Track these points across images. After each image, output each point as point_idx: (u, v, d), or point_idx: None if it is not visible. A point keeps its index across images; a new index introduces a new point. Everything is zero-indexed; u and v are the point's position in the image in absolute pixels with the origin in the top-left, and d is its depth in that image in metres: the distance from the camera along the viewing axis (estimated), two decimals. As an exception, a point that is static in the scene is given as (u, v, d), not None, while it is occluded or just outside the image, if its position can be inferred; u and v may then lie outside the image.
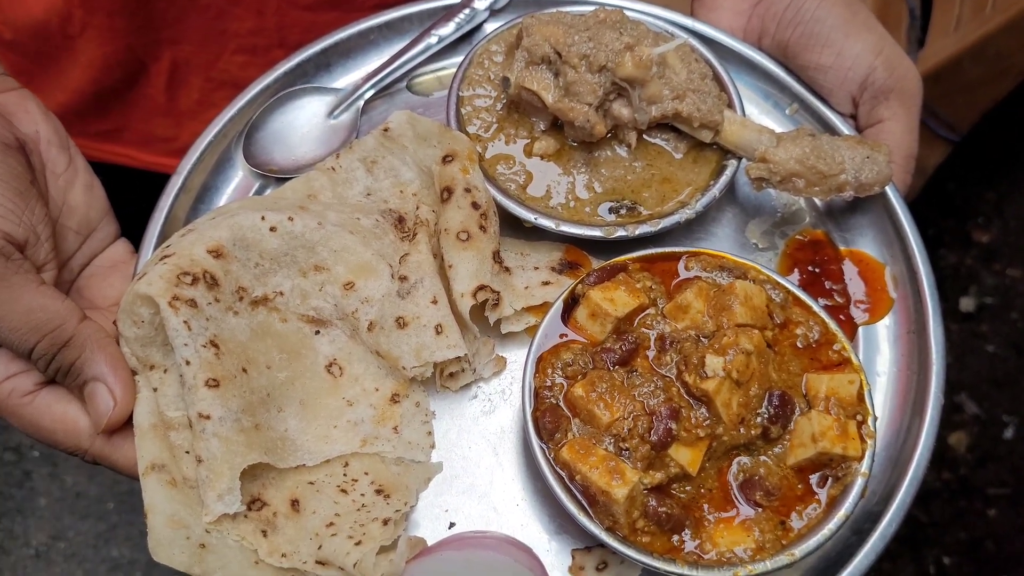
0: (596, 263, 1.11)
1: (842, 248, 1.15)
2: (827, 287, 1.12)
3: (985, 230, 3.37)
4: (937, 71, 2.57)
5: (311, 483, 0.98)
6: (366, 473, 0.99)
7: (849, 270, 1.13)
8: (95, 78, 1.43)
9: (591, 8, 1.17)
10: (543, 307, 1.05)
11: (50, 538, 2.81)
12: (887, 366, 1.08)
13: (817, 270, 1.13)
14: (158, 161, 1.57)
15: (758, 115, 1.22)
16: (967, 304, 3.22)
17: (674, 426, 0.93)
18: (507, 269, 1.08)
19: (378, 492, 0.97)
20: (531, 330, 1.05)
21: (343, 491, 0.97)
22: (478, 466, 1.02)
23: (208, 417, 0.92)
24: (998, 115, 2.81)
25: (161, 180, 1.57)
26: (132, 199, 1.66)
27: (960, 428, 2.98)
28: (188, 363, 0.93)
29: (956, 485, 2.90)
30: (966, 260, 3.29)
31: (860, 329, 1.10)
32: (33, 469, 2.89)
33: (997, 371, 3.08)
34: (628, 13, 1.18)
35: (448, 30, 1.23)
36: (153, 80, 1.45)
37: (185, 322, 0.94)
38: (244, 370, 0.97)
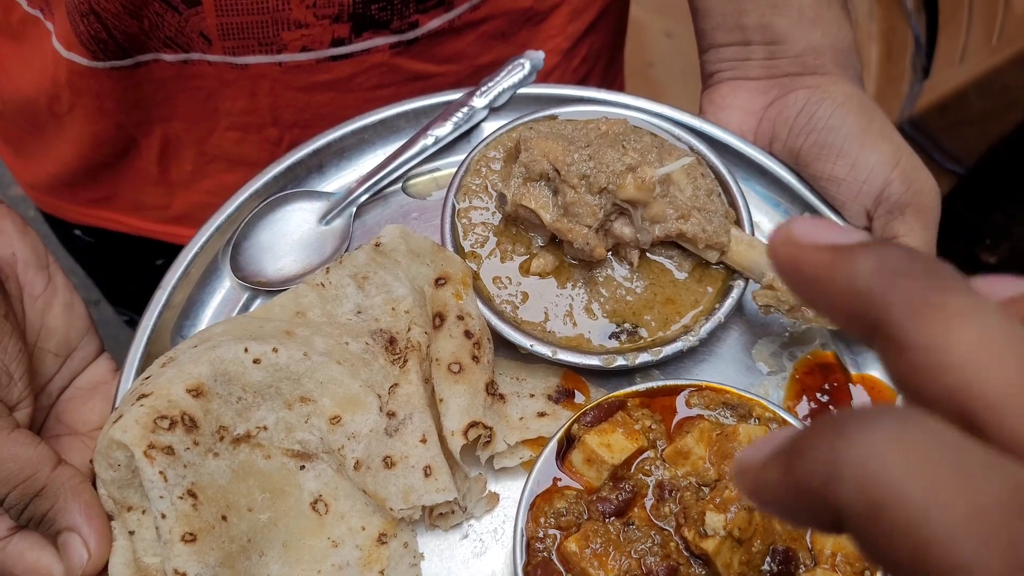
0: (595, 390, 1.06)
1: (853, 373, 1.09)
2: (836, 416, 1.07)
3: (993, 252, 3.31)
4: (943, 103, 2.52)
5: (293, 634, 0.94)
6: (350, 622, 0.95)
7: (860, 396, 1.08)
8: (84, 153, 1.41)
9: (593, 111, 1.13)
10: (538, 441, 1.01)
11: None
12: (898, 506, 1.03)
13: (826, 398, 1.08)
14: (150, 228, 1.54)
15: (768, 224, 1.17)
16: (976, 328, 3.17)
17: (671, 587, 0.88)
18: (501, 396, 1.04)
19: (362, 645, 0.93)
20: (526, 464, 1.01)
21: (326, 643, 0.93)
22: (468, 615, 0.98)
23: (184, 575, 0.88)
24: (1007, 151, 2.75)
25: (152, 245, 1.54)
26: (123, 262, 1.63)
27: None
28: (164, 516, 0.89)
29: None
30: (974, 283, 3.24)
31: (870, 463, 1.05)
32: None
33: (1010, 397, 3.02)
34: (633, 117, 1.13)
35: (445, 130, 1.18)
36: (144, 154, 1.42)
37: (161, 472, 0.90)
38: (224, 517, 0.93)
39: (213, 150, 1.40)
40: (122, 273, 1.76)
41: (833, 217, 1.13)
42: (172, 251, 1.13)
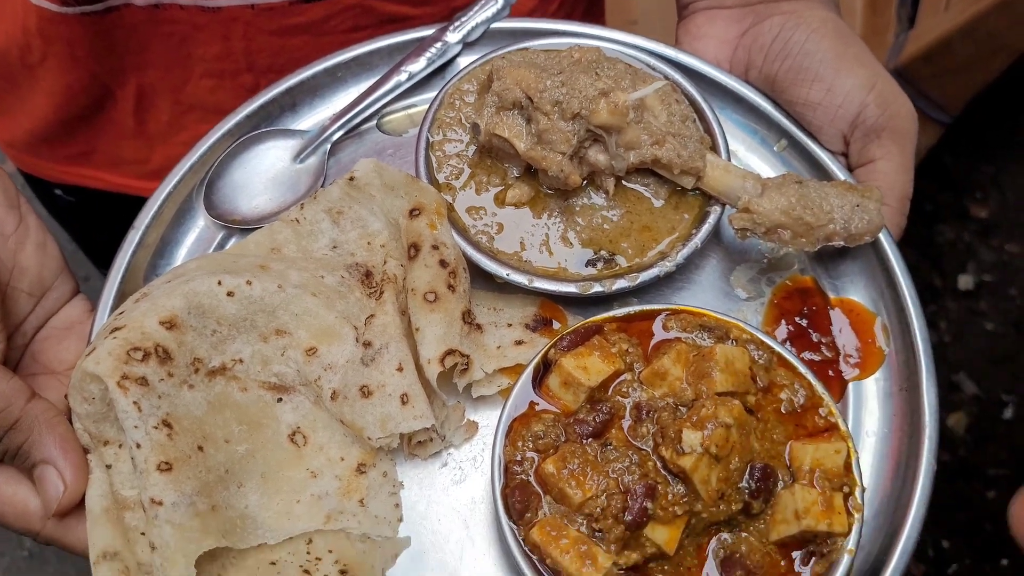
0: (572, 318, 1.06)
1: (832, 296, 1.09)
2: (815, 340, 1.06)
3: (983, 205, 3.31)
4: (928, 51, 2.52)
5: (273, 563, 0.94)
6: (330, 551, 0.95)
7: (839, 320, 1.08)
8: (60, 105, 1.39)
9: (567, 43, 1.11)
10: (516, 368, 1.00)
11: (43, 539, 2.82)
12: (877, 425, 1.03)
13: (805, 322, 1.07)
14: (129, 183, 1.53)
15: (744, 152, 1.16)
16: (965, 282, 3.17)
17: (649, 505, 0.88)
18: (479, 327, 1.03)
19: (342, 573, 0.93)
20: (504, 392, 1.01)
21: (306, 572, 0.93)
22: (448, 540, 0.98)
23: (160, 503, 0.88)
24: (992, 98, 2.74)
25: (133, 203, 1.53)
26: (105, 222, 1.62)
27: (958, 408, 2.94)
28: (139, 446, 0.89)
29: (955, 466, 2.86)
30: (964, 236, 3.24)
31: (850, 385, 1.05)
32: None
33: (996, 349, 3.03)
34: (607, 47, 1.12)
35: (419, 66, 1.17)
36: (120, 105, 1.40)
37: (135, 403, 0.89)
38: (200, 448, 0.93)
39: (189, 99, 1.38)
40: (104, 233, 1.75)
41: (810, 143, 1.12)
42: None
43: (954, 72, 2.59)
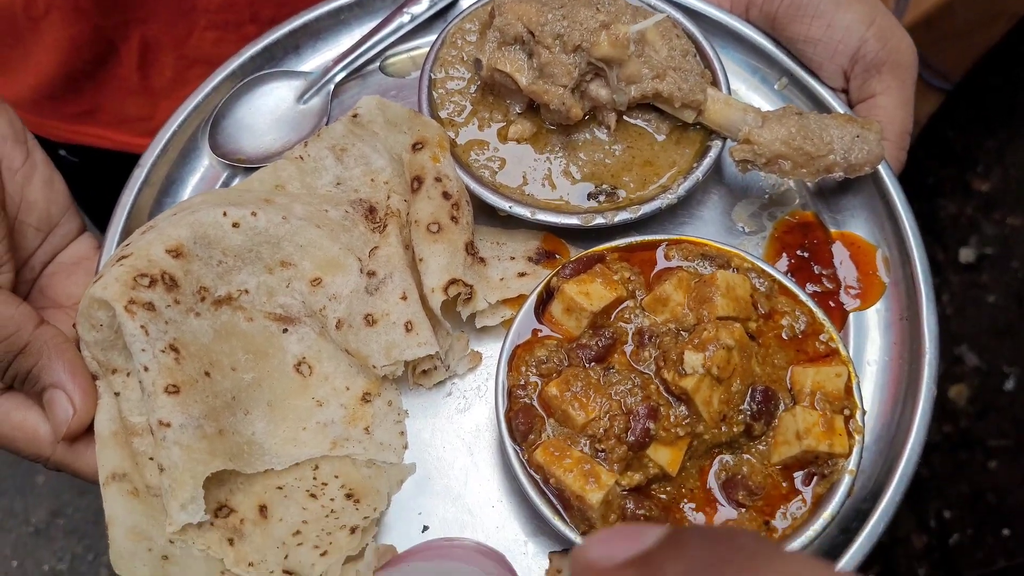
0: (574, 251, 1.07)
1: (833, 230, 1.10)
2: (816, 272, 1.07)
3: (985, 179, 3.30)
4: (928, 17, 2.50)
5: (279, 488, 0.95)
6: (336, 476, 0.96)
7: (840, 253, 1.09)
8: (63, 60, 1.40)
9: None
10: (519, 299, 1.01)
11: (49, 515, 2.82)
12: (878, 354, 1.04)
13: (806, 254, 1.08)
14: (133, 141, 1.54)
15: (745, 91, 1.17)
16: (967, 255, 3.17)
17: (652, 426, 0.89)
18: (482, 260, 1.04)
19: (348, 496, 0.94)
20: (507, 323, 1.02)
21: (312, 496, 0.94)
22: (452, 467, 0.99)
23: (168, 425, 0.89)
24: (994, 61, 2.73)
25: (134, 161, 1.54)
26: (109, 182, 1.63)
27: (960, 380, 2.94)
28: (147, 369, 0.90)
29: (957, 438, 2.86)
30: (966, 210, 3.23)
31: (851, 316, 1.05)
32: (30, 447, 2.90)
33: (998, 322, 3.02)
34: (608, -14, 1.12)
35: (421, 8, 1.18)
36: (124, 60, 1.41)
37: (142, 327, 0.90)
38: (207, 374, 0.94)
39: (192, 52, 1.39)
40: (109, 194, 1.76)
41: (811, 80, 1.13)
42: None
43: (955, 38, 2.57)
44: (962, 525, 2.77)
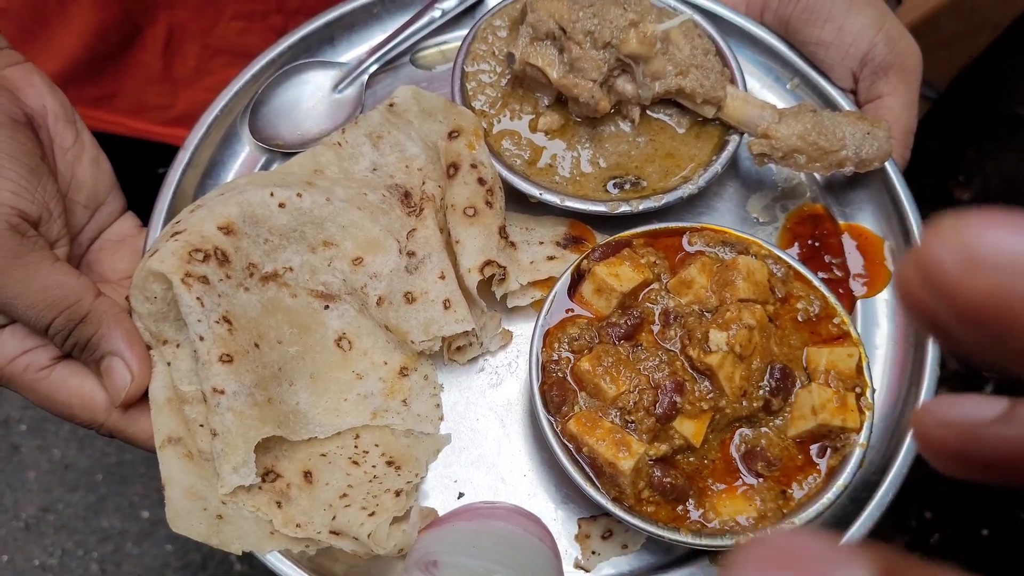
0: (600, 238, 1.12)
1: (841, 222, 1.16)
2: (826, 261, 1.14)
3: (966, 188, 3.39)
4: (914, 28, 2.57)
5: (323, 455, 1.00)
6: (376, 445, 1.01)
7: (848, 244, 1.15)
8: (89, 44, 1.42)
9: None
10: (548, 281, 1.07)
11: (40, 510, 2.82)
12: (885, 339, 1.11)
13: (817, 244, 1.15)
14: (150, 129, 1.56)
15: (759, 89, 1.23)
16: (948, 262, 3.25)
17: (679, 399, 0.95)
18: (513, 244, 1.10)
19: (389, 464, 0.99)
20: (536, 304, 1.07)
21: (355, 463, 0.99)
22: (486, 437, 1.04)
23: (222, 392, 0.94)
24: (975, 72, 2.82)
25: (152, 149, 1.57)
26: (123, 173, 1.66)
27: (942, 385, 3.02)
28: (202, 339, 0.95)
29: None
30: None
31: (859, 302, 1.12)
32: (21, 442, 2.90)
33: (979, 327, 3.12)
34: (632, -13, 1.18)
35: (451, 3, 1.23)
36: (148, 46, 1.44)
37: (198, 299, 0.95)
38: (256, 345, 0.99)
39: (217, 42, 1.43)
40: (124, 184, 1.79)
41: (822, 81, 1.19)
42: (173, 157, 1.17)
43: (940, 48, 2.66)
44: (943, 525, 2.84)
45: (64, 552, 2.78)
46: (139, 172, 1.66)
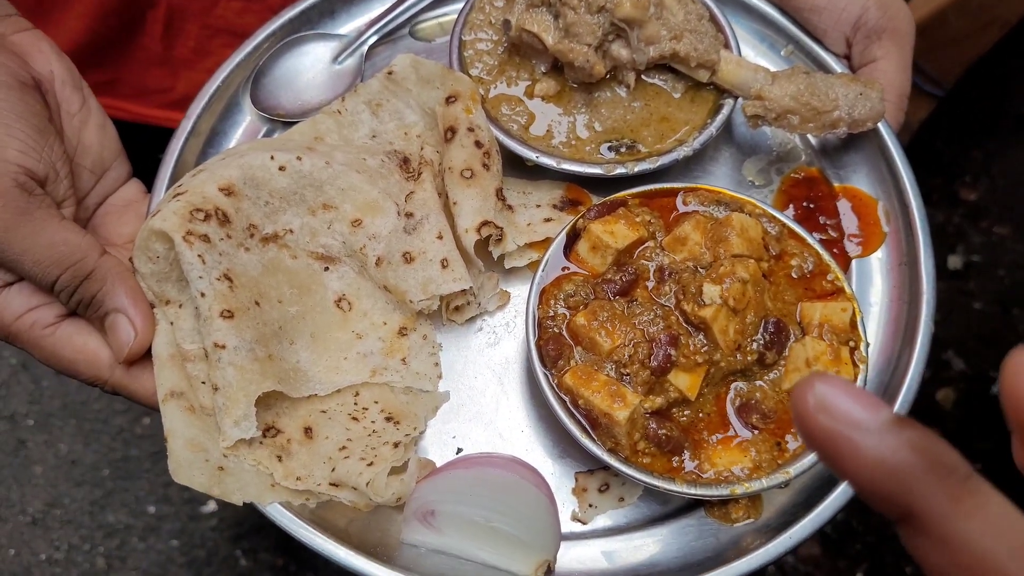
0: (597, 200, 1.14)
1: (836, 184, 1.18)
2: (821, 222, 1.15)
3: (972, 188, 3.39)
4: (922, 25, 2.57)
5: (323, 411, 1.01)
6: (376, 402, 1.02)
7: (843, 205, 1.16)
8: (92, 27, 1.44)
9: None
10: (545, 243, 1.08)
11: (46, 505, 2.85)
12: (879, 297, 1.12)
13: (812, 206, 1.16)
14: (152, 114, 1.57)
15: (754, 57, 1.24)
16: (954, 262, 3.25)
17: (673, 352, 0.96)
18: (510, 207, 1.11)
19: (388, 419, 1.01)
20: (533, 265, 1.08)
21: (354, 419, 1.01)
22: (484, 395, 1.05)
23: (223, 347, 0.95)
24: (983, 71, 2.82)
25: (154, 133, 1.58)
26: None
27: (947, 384, 3.02)
28: (203, 295, 0.96)
29: (943, 439, 2.94)
30: (953, 219, 3.32)
31: (853, 262, 1.13)
32: (28, 437, 2.92)
33: (984, 328, 3.11)
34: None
35: (450, -24, 1.25)
36: (149, 28, 1.45)
37: (199, 256, 0.97)
38: (257, 303, 1.00)
39: (217, 22, 1.45)
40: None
41: (815, 47, 1.21)
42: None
43: (948, 45, 2.66)
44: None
45: (70, 547, 2.80)
46: (139, 157, 1.68)
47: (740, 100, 1.14)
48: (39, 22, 1.50)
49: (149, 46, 1.48)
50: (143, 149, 1.63)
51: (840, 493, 0.98)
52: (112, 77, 1.52)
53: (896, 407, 1.02)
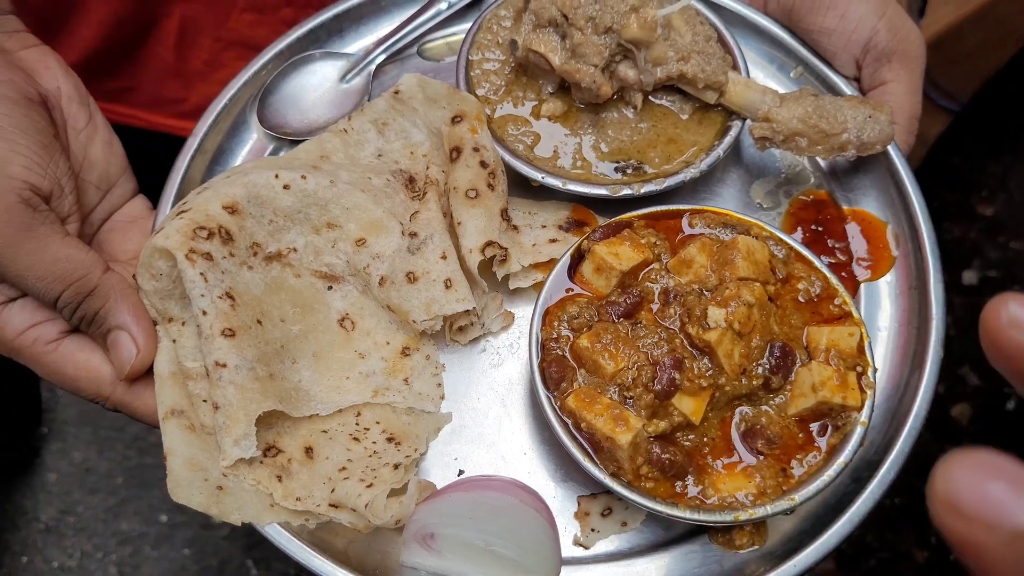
0: (602, 222, 1.13)
1: (845, 207, 1.17)
2: (830, 245, 1.14)
3: (989, 203, 3.37)
4: (938, 39, 2.56)
5: (324, 431, 1.01)
6: (377, 422, 1.02)
7: (852, 229, 1.15)
8: (106, 35, 1.45)
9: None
10: (550, 264, 1.07)
11: (60, 513, 2.85)
12: (888, 321, 1.10)
13: (820, 229, 1.15)
14: (167, 123, 1.58)
15: (763, 78, 1.24)
16: (970, 277, 3.23)
17: (677, 376, 0.95)
18: (515, 227, 1.11)
19: (389, 440, 1.00)
20: (538, 286, 1.08)
21: (355, 439, 1.00)
22: (486, 416, 1.05)
23: (224, 365, 0.95)
24: (1000, 86, 2.80)
25: (169, 142, 1.59)
26: (139, 166, 1.69)
27: (963, 400, 2.99)
28: (205, 313, 0.96)
29: (959, 455, 2.92)
30: (970, 233, 3.30)
31: (862, 286, 1.12)
32: (42, 446, 2.93)
33: (1000, 344, 3.09)
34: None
35: (458, -5, 1.25)
36: (162, 39, 1.46)
37: (202, 274, 0.97)
38: (259, 322, 1.00)
39: (229, 35, 1.45)
40: (139, 177, 1.81)
41: (825, 69, 1.20)
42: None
43: (964, 59, 2.64)
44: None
45: (83, 554, 2.80)
46: (153, 164, 1.69)
47: (748, 122, 1.13)
48: (53, 29, 1.52)
49: (162, 56, 1.49)
50: (159, 159, 1.64)
51: (846, 521, 0.97)
52: (129, 85, 1.54)
53: (904, 432, 1.01)
